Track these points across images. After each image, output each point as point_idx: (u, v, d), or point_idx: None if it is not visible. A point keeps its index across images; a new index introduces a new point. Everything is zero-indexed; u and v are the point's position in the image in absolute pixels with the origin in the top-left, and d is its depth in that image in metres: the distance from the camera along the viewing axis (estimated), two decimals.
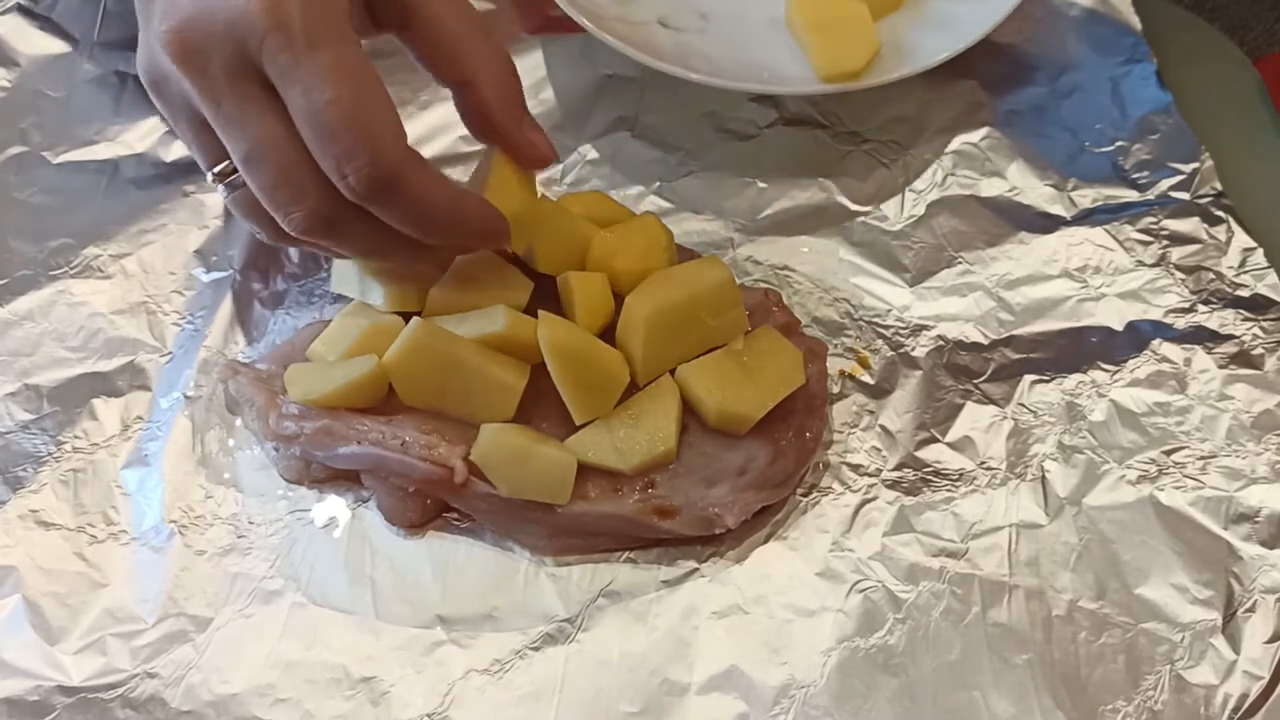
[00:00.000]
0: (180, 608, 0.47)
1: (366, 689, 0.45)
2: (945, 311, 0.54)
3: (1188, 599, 0.46)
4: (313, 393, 0.48)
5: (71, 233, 0.57)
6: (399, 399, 0.48)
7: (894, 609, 0.46)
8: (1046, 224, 0.57)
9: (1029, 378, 0.52)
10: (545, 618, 0.47)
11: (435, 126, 0.61)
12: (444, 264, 0.49)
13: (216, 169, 0.44)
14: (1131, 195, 0.58)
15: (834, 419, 0.51)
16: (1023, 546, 0.48)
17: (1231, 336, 0.53)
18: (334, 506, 0.50)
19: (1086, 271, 0.55)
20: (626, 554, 0.48)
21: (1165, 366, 0.52)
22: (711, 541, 0.48)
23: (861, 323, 0.54)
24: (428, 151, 0.60)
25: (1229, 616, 0.46)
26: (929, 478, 0.50)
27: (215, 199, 0.58)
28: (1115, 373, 0.52)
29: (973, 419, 0.51)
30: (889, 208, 0.58)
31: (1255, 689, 0.44)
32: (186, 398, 0.52)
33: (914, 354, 0.53)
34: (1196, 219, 0.56)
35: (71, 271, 0.56)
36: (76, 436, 0.51)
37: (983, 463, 0.50)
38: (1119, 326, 0.54)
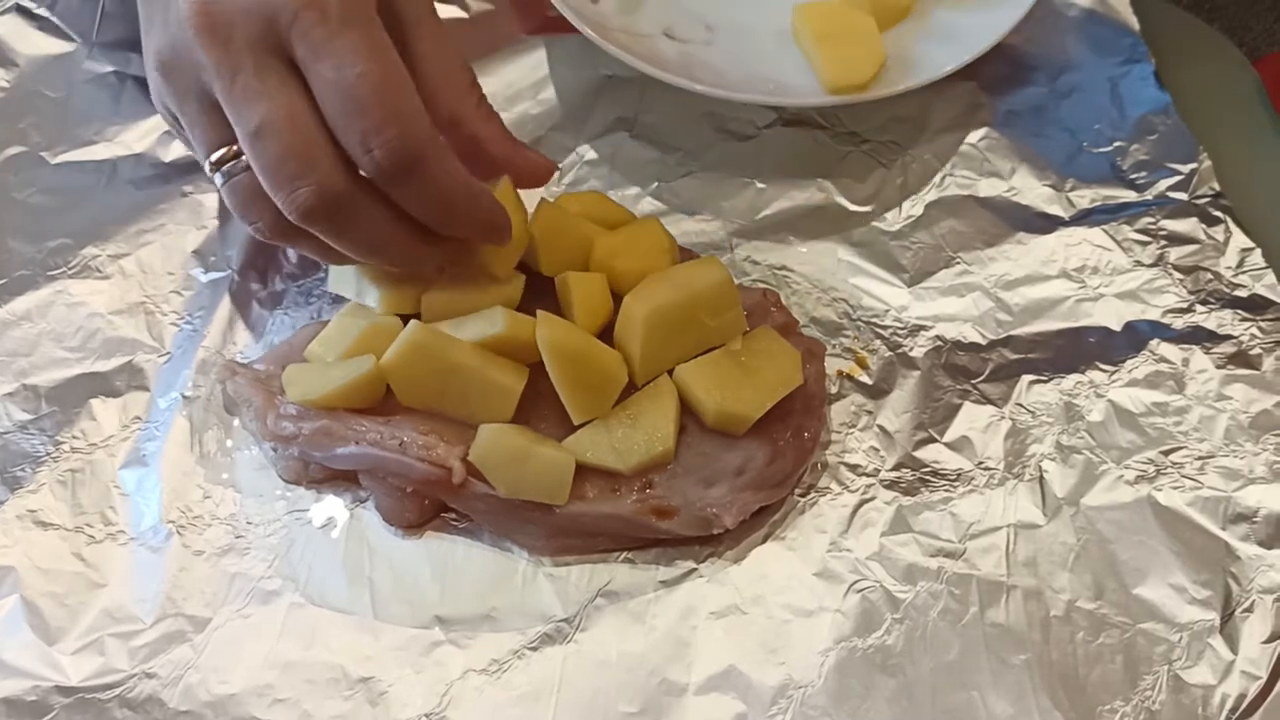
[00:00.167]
0: (178, 608, 0.47)
1: (365, 689, 0.45)
2: (943, 312, 0.54)
3: (1186, 599, 0.46)
4: (311, 393, 0.48)
5: (70, 233, 0.57)
6: (397, 399, 0.48)
7: (892, 609, 0.46)
8: (1045, 224, 0.57)
9: (1027, 378, 0.52)
10: (543, 618, 0.47)
11: None
12: (440, 265, 0.49)
13: (216, 155, 0.44)
14: (1130, 195, 0.58)
15: (832, 419, 0.51)
16: (1021, 547, 0.48)
17: (1229, 337, 0.53)
18: (332, 507, 0.50)
19: (1085, 272, 0.55)
20: (625, 554, 0.48)
21: (1163, 367, 0.52)
22: (710, 542, 0.48)
23: (860, 323, 0.54)
24: None
25: (1227, 616, 0.46)
26: (927, 478, 0.50)
27: (214, 199, 0.58)
28: (1113, 373, 0.52)
29: (971, 419, 0.51)
30: (888, 208, 0.58)
31: (1253, 689, 0.44)
32: (185, 398, 0.52)
33: (912, 354, 0.53)
34: (1195, 219, 0.57)
35: (70, 272, 0.56)
36: (75, 437, 0.51)
37: (981, 463, 0.50)
38: (1117, 327, 0.54)
